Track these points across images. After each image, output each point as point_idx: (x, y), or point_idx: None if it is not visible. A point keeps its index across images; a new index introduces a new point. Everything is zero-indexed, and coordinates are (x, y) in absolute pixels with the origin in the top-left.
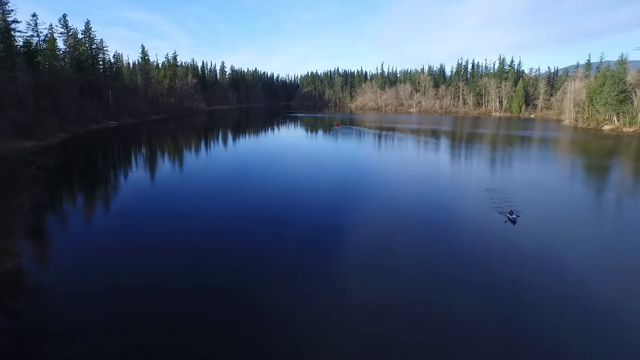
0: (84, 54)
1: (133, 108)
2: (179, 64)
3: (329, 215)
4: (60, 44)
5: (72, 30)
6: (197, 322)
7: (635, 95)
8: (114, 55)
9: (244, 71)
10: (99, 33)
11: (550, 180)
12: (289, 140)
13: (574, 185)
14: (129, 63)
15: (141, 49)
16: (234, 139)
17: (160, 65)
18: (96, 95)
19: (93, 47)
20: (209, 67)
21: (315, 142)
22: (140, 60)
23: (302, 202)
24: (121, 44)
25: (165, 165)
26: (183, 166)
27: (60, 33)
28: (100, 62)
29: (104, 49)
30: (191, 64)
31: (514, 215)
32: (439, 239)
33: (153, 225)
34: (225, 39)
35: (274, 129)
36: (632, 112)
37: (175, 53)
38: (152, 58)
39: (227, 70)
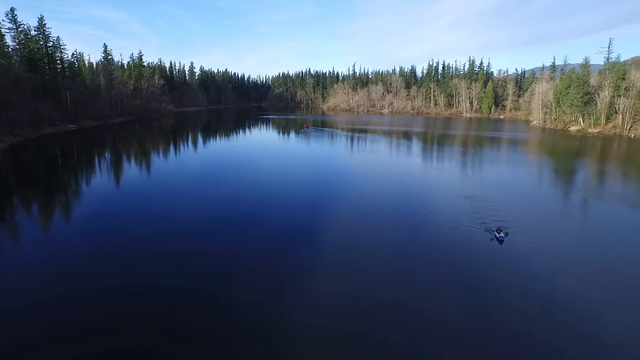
0: (38, 52)
1: (95, 110)
2: (145, 64)
3: (301, 217)
4: (9, 40)
5: (22, 25)
6: (167, 327)
7: (599, 97)
8: (74, 54)
9: (214, 72)
10: (61, 31)
11: (525, 185)
12: (260, 142)
13: (547, 188)
14: (91, 63)
15: (103, 48)
16: (203, 142)
17: (125, 65)
18: (53, 96)
19: (49, 45)
20: (177, 68)
21: (286, 144)
22: (102, 59)
23: (274, 204)
24: (85, 43)
25: (130, 169)
26: (150, 170)
27: (8, 29)
28: (58, 62)
29: (62, 47)
30: (158, 64)
31: (501, 234)
32: (410, 239)
33: (116, 230)
34: (197, 38)
35: (244, 131)
36: (596, 114)
37: (140, 53)
38: (116, 58)
39: (197, 70)
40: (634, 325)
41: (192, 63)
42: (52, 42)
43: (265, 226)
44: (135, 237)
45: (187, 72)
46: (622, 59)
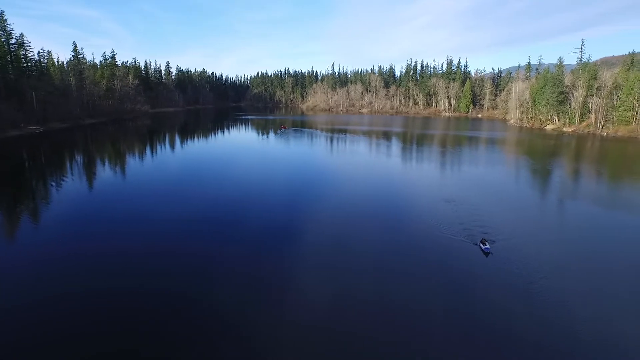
0: None
1: (64, 111)
2: (119, 63)
3: (281, 218)
4: None
5: None
6: (148, 329)
7: (573, 96)
8: (40, 52)
9: (191, 71)
10: (28, 28)
11: (505, 187)
12: (238, 143)
13: (526, 190)
14: (62, 62)
15: (73, 46)
16: (181, 143)
17: (98, 64)
18: (16, 97)
19: (11, 42)
20: (153, 67)
21: (265, 145)
22: (72, 58)
23: (255, 205)
24: (57, 42)
25: (105, 171)
26: (126, 172)
27: None
28: (23, 60)
29: (26, 44)
30: (133, 64)
31: (487, 245)
32: (391, 240)
33: (92, 234)
34: (174, 38)
35: (223, 132)
36: (570, 113)
37: (113, 52)
38: (89, 57)
39: (173, 70)
40: (623, 326)
41: (168, 62)
42: (15, 39)
43: (245, 227)
44: (113, 240)
45: (163, 72)
46: (592, 60)
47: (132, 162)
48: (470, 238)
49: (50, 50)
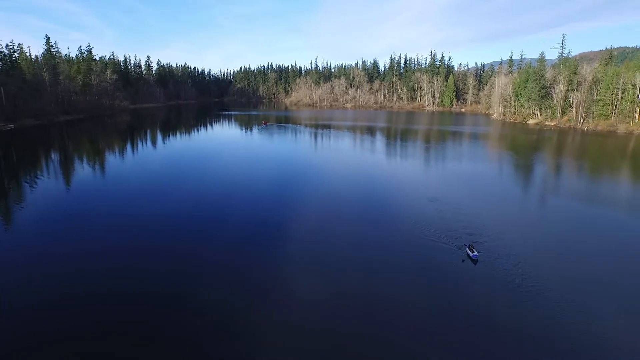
0: None
1: (37, 108)
2: (96, 58)
3: (266, 216)
4: None
5: None
6: (133, 329)
7: (554, 91)
8: (8, 45)
9: (172, 66)
10: (4, 22)
11: (489, 185)
12: (221, 140)
13: (510, 187)
14: (36, 56)
15: (45, 39)
16: (163, 140)
17: (74, 59)
18: None
19: None
20: (132, 62)
21: (249, 142)
22: (45, 52)
23: (239, 202)
24: (33, 35)
25: (83, 169)
26: (106, 170)
27: None
28: None
29: None
30: (111, 59)
31: (475, 252)
32: (375, 239)
33: (72, 232)
34: (155, 32)
35: (205, 128)
36: (552, 107)
37: (89, 46)
38: (64, 51)
39: (154, 65)
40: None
41: (148, 57)
42: None
43: (230, 224)
44: (94, 240)
45: (143, 67)
46: (572, 55)
47: (112, 159)
48: (456, 240)
49: (21, 43)
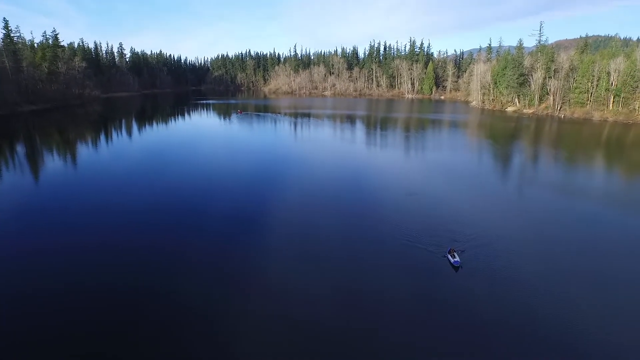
0: None
1: None
2: (64, 44)
3: (245, 208)
4: None
5: None
6: (110, 327)
7: (532, 78)
8: None
9: (146, 54)
10: None
11: (468, 177)
12: (199, 130)
13: (489, 179)
14: None
15: (4, 23)
16: (138, 130)
17: (38, 45)
18: None
19: None
20: (104, 49)
21: (226, 132)
22: (4, 37)
23: (218, 194)
24: None
25: (53, 162)
26: (77, 163)
27: None
28: None
29: None
30: (80, 45)
31: (456, 258)
32: (354, 234)
33: (45, 227)
34: (127, 17)
35: (182, 118)
36: (530, 95)
37: (54, 31)
38: (28, 36)
39: (127, 52)
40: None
41: (121, 44)
42: None
43: (208, 217)
44: (65, 235)
45: (116, 54)
46: (549, 43)
47: (84, 152)
48: (436, 239)
49: None
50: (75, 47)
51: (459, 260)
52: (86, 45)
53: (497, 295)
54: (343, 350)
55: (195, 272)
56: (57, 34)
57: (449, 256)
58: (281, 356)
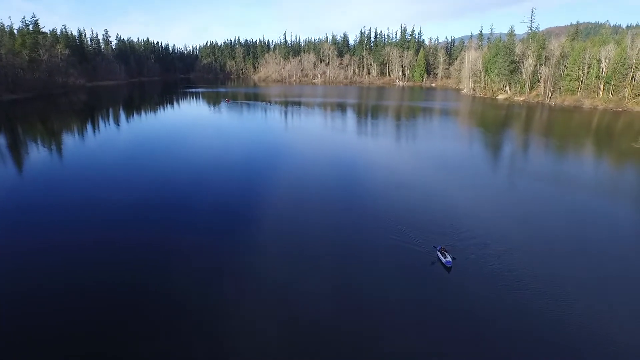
0: None
1: None
2: (45, 31)
3: (235, 201)
4: None
5: None
6: (99, 327)
7: (523, 65)
8: None
9: (133, 41)
10: None
11: (459, 167)
12: (187, 120)
13: (480, 170)
14: None
15: None
16: (126, 120)
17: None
18: None
19: None
20: (89, 37)
21: (216, 122)
22: None
23: (205, 188)
24: None
25: (38, 154)
26: (62, 155)
27: None
28: None
29: None
30: (63, 32)
31: (447, 258)
32: (344, 231)
33: (29, 224)
34: (113, 3)
35: (170, 107)
36: (521, 82)
37: (34, 17)
38: (6, 22)
39: (113, 40)
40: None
41: (106, 31)
42: None
43: (196, 211)
44: (57, 231)
45: (101, 42)
46: (540, 30)
47: (68, 143)
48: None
49: None
50: (58, 33)
51: (450, 260)
52: (70, 32)
53: (488, 292)
54: (332, 348)
55: (181, 268)
56: (37, 20)
57: (440, 255)
58: (275, 353)
